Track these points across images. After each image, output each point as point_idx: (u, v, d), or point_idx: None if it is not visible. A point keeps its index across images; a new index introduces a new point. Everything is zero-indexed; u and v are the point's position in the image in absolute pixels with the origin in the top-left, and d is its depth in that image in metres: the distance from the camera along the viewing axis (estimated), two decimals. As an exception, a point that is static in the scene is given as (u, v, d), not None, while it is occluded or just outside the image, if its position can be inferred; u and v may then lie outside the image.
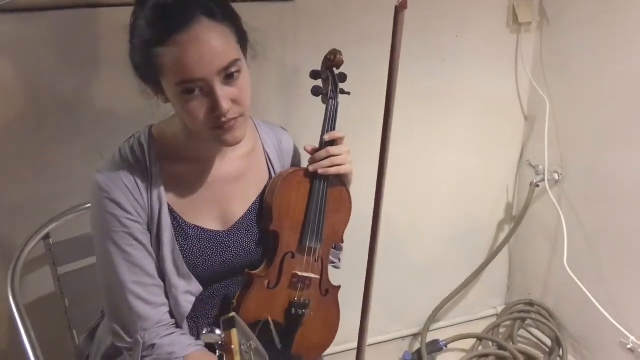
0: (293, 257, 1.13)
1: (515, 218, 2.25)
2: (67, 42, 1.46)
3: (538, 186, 2.05)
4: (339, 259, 1.35)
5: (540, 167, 2.05)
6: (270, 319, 1.12)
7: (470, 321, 2.35)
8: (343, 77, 1.19)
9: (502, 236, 2.27)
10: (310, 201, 1.13)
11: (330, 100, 1.16)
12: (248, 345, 0.64)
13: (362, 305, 1.01)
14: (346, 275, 2.02)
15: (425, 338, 2.13)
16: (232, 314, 0.61)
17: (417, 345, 2.12)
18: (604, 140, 1.85)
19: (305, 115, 1.75)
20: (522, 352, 2.02)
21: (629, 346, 1.80)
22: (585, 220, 1.96)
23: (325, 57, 1.18)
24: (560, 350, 2.06)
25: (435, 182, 2.10)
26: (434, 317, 2.18)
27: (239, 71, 0.94)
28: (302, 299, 1.14)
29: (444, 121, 2.04)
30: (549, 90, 2.02)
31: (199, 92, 0.91)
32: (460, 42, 1.94)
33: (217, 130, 0.95)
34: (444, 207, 2.15)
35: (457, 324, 2.33)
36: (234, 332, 0.63)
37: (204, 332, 0.70)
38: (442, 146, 2.06)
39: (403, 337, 2.24)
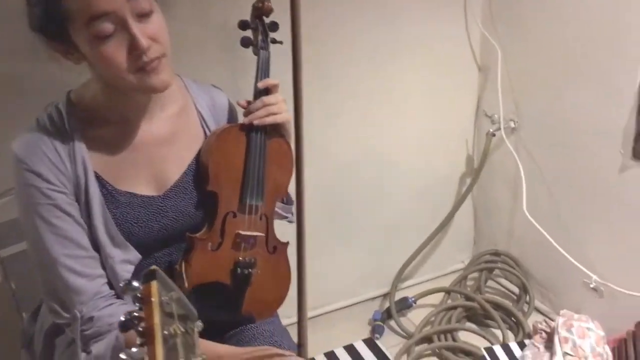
0: (235, 216, 1.10)
1: (476, 169, 2.24)
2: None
3: (495, 135, 2.04)
4: (292, 213, 1.30)
5: (496, 116, 2.04)
6: (216, 281, 1.09)
7: (440, 276, 2.35)
8: (274, 26, 1.14)
9: (465, 188, 2.27)
10: (248, 157, 1.09)
11: (261, 51, 1.12)
12: (169, 296, 0.61)
13: (297, 279, 0.97)
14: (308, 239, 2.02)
15: (394, 296, 2.13)
16: (153, 266, 0.58)
17: (387, 305, 2.11)
18: (557, 87, 1.84)
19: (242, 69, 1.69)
20: (489, 302, 2.04)
21: (591, 285, 1.82)
22: (542, 166, 1.96)
23: (253, 6, 1.13)
24: (527, 297, 2.08)
25: (396, 139, 2.08)
26: (401, 276, 2.18)
27: (152, 11, 0.90)
28: (247, 258, 1.11)
29: (399, 77, 2.01)
30: (500, 39, 2.00)
31: (113, 32, 0.87)
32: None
33: (141, 74, 0.91)
34: (406, 164, 2.13)
35: (427, 281, 2.33)
36: (154, 284, 0.60)
37: (121, 284, 0.67)
38: (400, 102, 2.03)
39: (373, 298, 2.24)
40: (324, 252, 2.06)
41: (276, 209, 1.21)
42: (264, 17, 1.12)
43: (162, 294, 0.60)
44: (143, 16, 0.89)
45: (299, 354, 1.01)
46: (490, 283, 2.28)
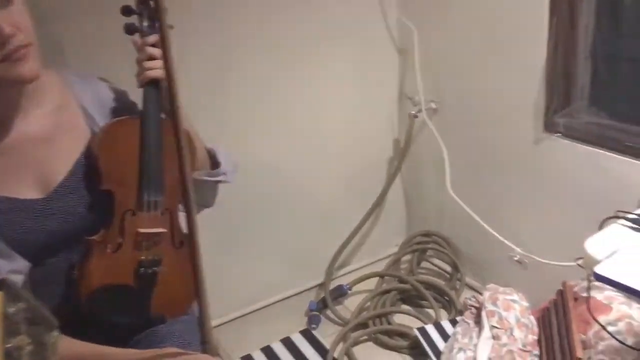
0: (134, 214, 1.05)
1: (402, 152, 2.25)
2: None
3: (417, 117, 2.05)
4: (226, 173, 1.20)
5: (416, 98, 2.05)
6: (120, 284, 1.04)
7: (376, 261, 2.36)
8: (159, 11, 1.08)
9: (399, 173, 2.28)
10: (143, 150, 1.04)
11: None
12: (17, 307, 0.56)
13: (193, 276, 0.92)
14: (231, 236, 1.98)
15: (329, 285, 2.12)
16: (3, 277, 0.53)
17: (322, 294, 2.10)
18: (472, 65, 1.86)
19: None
20: (422, 282, 2.05)
21: (516, 258, 1.85)
22: (463, 144, 1.98)
23: None
24: (459, 274, 2.10)
25: (320, 127, 2.06)
26: (334, 264, 2.16)
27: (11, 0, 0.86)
28: (151, 256, 1.06)
29: (318, 64, 1.99)
30: (415, 20, 2.01)
31: None
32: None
33: (7, 63, 0.86)
34: (333, 150, 2.12)
35: (363, 267, 2.33)
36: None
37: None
38: (321, 89, 2.02)
39: (309, 288, 2.22)
40: (252, 246, 2.03)
41: (204, 177, 1.15)
42: (150, 1, 1.07)
43: (8, 305, 0.56)
44: (2, 4, 0.84)
45: (204, 351, 0.97)
46: (424, 264, 2.30)
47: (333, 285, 2.14)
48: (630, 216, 1.03)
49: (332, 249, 2.18)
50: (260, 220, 2.02)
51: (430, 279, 2.12)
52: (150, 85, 1.05)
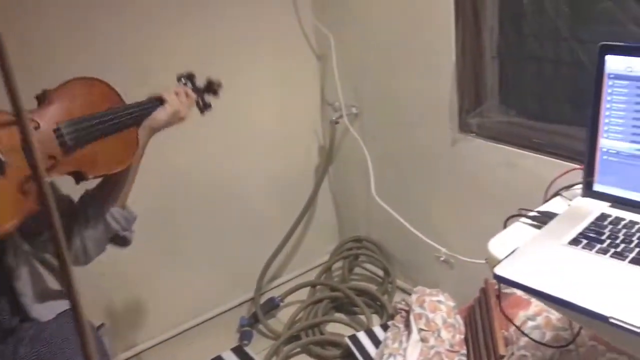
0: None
1: (327, 158, 2.24)
2: None
3: (338, 123, 2.04)
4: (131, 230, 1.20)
5: (337, 103, 2.04)
6: None
7: (309, 271, 2.33)
8: None
9: (324, 180, 2.26)
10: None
11: None
12: None
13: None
14: (154, 254, 1.91)
15: (260, 299, 2.07)
16: None
17: (254, 309, 2.05)
18: (388, 69, 1.87)
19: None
20: (354, 289, 2.04)
21: (442, 258, 1.87)
22: (385, 148, 1.99)
23: None
24: (390, 278, 2.10)
25: (242, 137, 2.02)
26: (265, 276, 2.12)
27: None
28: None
29: (239, 74, 1.95)
30: (331, 26, 2.00)
31: None
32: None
33: None
34: (257, 160, 2.08)
35: (296, 277, 2.30)
36: None
37: None
38: (243, 99, 1.98)
39: (241, 304, 2.16)
40: (176, 263, 1.96)
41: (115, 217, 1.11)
42: None
43: None
44: None
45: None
46: (357, 270, 2.29)
47: (265, 298, 2.10)
48: (531, 214, 1.04)
49: (263, 261, 2.14)
50: (184, 235, 1.96)
51: (361, 285, 2.10)
52: None
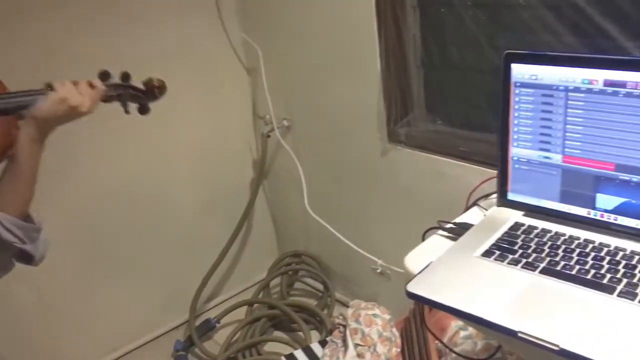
0: None
1: (259, 173, 2.20)
2: None
3: (269, 136, 2.00)
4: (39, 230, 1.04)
5: (267, 116, 2.00)
6: None
7: (248, 288, 2.27)
8: None
9: (259, 195, 2.21)
10: None
11: None
12: None
13: None
14: (84, 276, 1.81)
15: (195, 321, 2.00)
16: None
17: (189, 332, 1.98)
18: (318, 80, 1.84)
19: None
20: (293, 305, 1.99)
21: (378, 270, 1.84)
22: (318, 161, 1.96)
23: None
24: (329, 292, 2.07)
25: (174, 155, 1.96)
26: (199, 296, 2.05)
27: None
28: None
29: (168, 85, 1.88)
30: (258, 39, 1.97)
31: None
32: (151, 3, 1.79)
33: None
34: (191, 176, 2.02)
35: (235, 295, 2.24)
36: None
37: None
38: (173, 116, 1.91)
39: (177, 326, 2.08)
40: (105, 288, 1.87)
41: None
42: None
43: None
44: None
45: None
46: (298, 285, 2.25)
47: (201, 320, 2.02)
48: (448, 226, 1.02)
49: (199, 281, 2.06)
50: (112, 256, 1.88)
51: (300, 300, 2.06)
52: None
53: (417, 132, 1.62)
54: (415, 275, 0.87)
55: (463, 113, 1.55)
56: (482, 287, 0.81)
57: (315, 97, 1.88)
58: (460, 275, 0.84)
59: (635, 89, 0.80)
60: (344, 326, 1.79)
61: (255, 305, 2.07)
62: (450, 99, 1.58)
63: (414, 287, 0.83)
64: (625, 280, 0.77)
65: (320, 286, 2.17)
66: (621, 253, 0.83)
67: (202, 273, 2.07)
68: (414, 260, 0.96)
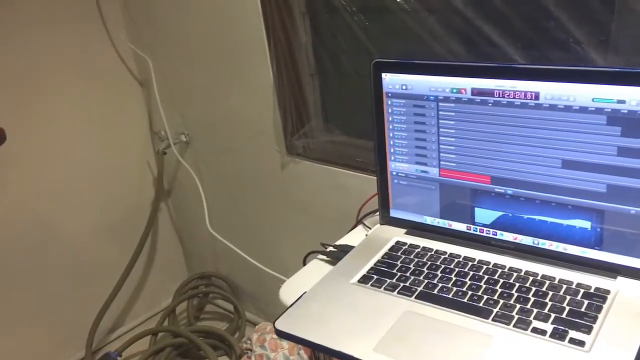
0: None
1: (167, 192, 2.07)
2: None
3: (165, 153, 1.88)
4: None
5: (162, 132, 1.88)
6: None
7: (155, 315, 2.13)
8: None
9: (160, 216, 2.08)
10: None
11: None
12: None
13: None
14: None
15: (92, 357, 1.85)
16: None
17: (88, 368, 1.82)
18: (213, 92, 1.73)
19: None
20: (200, 331, 1.88)
21: (286, 289, 1.76)
22: (218, 177, 1.85)
23: None
24: (239, 314, 1.97)
25: (62, 178, 1.80)
26: (96, 328, 1.88)
27: None
28: None
29: (54, 109, 1.73)
30: (149, 50, 1.84)
31: None
32: (21, 15, 1.63)
33: None
34: (85, 201, 1.86)
35: (140, 324, 2.09)
36: None
37: None
38: (59, 134, 1.76)
39: (75, 363, 1.92)
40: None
41: None
42: None
43: None
44: None
45: None
46: (210, 308, 2.13)
47: (100, 354, 1.87)
48: (329, 249, 0.95)
49: (93, 313, 1.90)
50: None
51: (207, 326, 1.94)
52: None
53: (314, 144, 1.55)
54: (286, 309, 0.79)
55: (359, 122, 1.49)
56: (355, 319, 0.74)
57: (212, 110, 1.77)
58: (333, 307, 0.77)
59: (503, 97, 0.75)
60: (252, 350, 1.69)
61: (160, 334, 1.94)
62: (346, 107, 1.52)
63: (283, 324, 0.75)
64: (501, 302, 0.72)
65: (230, 307, 2.06)
66: (500, 271, 0.78)
67: (101, 304, 1.91)
68: (291, 289, 0.88)
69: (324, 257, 0.93)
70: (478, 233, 0.84)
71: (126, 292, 2.00)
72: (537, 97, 0.73)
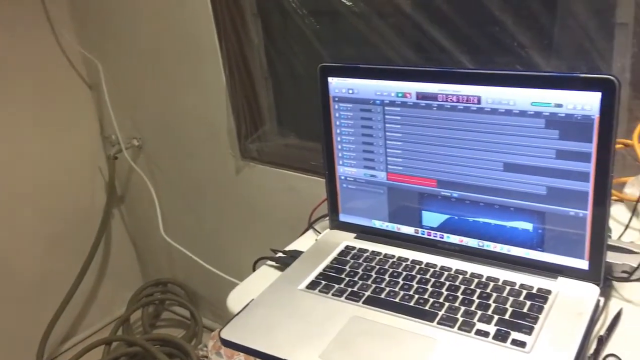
0: None
1: (120, 198, 2.03)
2: None
3: (117, 158, 1.84)
4: None
5: (113, 136, 1.84)
6: None
7: (109, 324, 2.08)
8: None
9: (112, 223, 2.03)
10: None
11: None
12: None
13: None
14: None
15: (43, 369, 1.79)
16: None
17: (39, 381, 1.76)
18: (165, 95, 1.71)
19: None
20: (156, 339, 1.84)
21: (242, 294, 1.74)
22: (172, 181, 1.83)
23: None
24: (196, 320, 1.94)
25: (14, 185, 1.75)
26: (46, 339, 1.83)
27: None
28: None
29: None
30: (98, 53, 1.80)
31: None
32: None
33: None
34: (32, 210, 1.80)
35: (94, 333, 2.04)
36: None
37: None
38: (11, 142, 1.71)
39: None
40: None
41: None
42: None
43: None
44: None
45: None
46: (166, 315, 2.10)
47: (52, 366, 1.82)
48: (278, 255, 0.94)
49: (43, 324, 1.84)
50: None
51: (163, 333, 1.91)
52: None
53: (268, 147, 1.54)
54: (232, 318, 0.77)
55: (312, 125, 1.48)
56: (302, 326, 0.73)
57: (164, 113, 1.74)
58: (280, 315, 0.76)
59: (446, 101, 0.76)
60: (208, 358, 1.67)
61: (115, 343, 1.89)
62: (299, 110, 1.52)
63: (228, 333, 0.74)
64: (446, 305, 0.72)
65: (187, 313, 2.03)
66: (446, 273, 0.79)
67: (52, 314, 1.85)
68: (239, 297, 0.87)
69: (273, 263, 0.92)
70: (425, 236, 0.85)
71: (78, 301, 1.95)
72: (479, 101, 0.73)
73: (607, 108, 0.65)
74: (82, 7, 1.76)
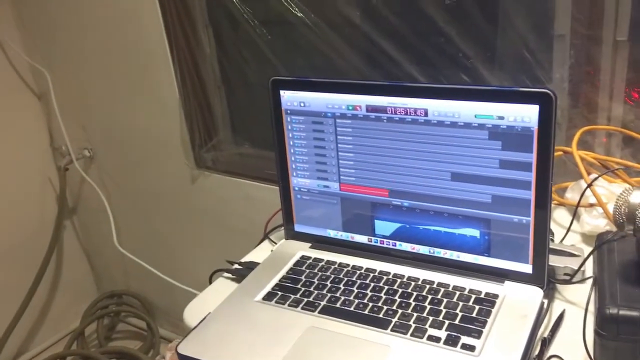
0: None
1: (71, 210, 1.98)
2: None
3: (67, 169, 1.80)
4: None
5: (64, 147, 1.80)
6: None
7: (63, 338, 2.03)
8: None
9: (64, 235, 1.98)
10: None
11: None
12: None
13: None
14: None
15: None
16: None
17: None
18: (117, 105, 1.68)
19: None
20: (112, 352, 1.81)
21: (200, 304, 1.73)
22: (126, 193, 1.80)
23: None
24: (153, 332, 1.91)
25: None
26: (-3, 359, 1.78)
27: None
28: None
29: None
30: (47, 63, 1.75)
31: None
32: None
33: None
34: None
35: (49, 348, 1.99)
36: None
37: None
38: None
39: (-27, 398, 1.80)
40: None
41: None
42: None
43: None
44: None
45: None
46: (122, 327, 2.06)
47: (3, 385, 1.76)
48: (234, 267, 0.95)
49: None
50: None
51: (119, 346, 1.88)
52: None
53: (223, 156, 1.54)
54: (188, 333, 0.77)
55: (267, 134, 1.49)
56: (259, 338, 0.74)
57: (116, 123, 1.72)
58: (236, 327, 0.76)
59: (395, 113, 0.78)
60: (166, 370, 1.65)
61: (69, 357, 1.85)
62: (253, 119, 1.52)
63: (185, 348, 0.74)
64: (400, 312, 0.74)
65: (144, 325, 2.00)
66: (399, 281, 0.81)
67: (3, 329, 1.80)
68: (196, 310, 0.87)
69: (230, 275, 0.93)
70: (379, 244, 0.87)
71: (30, 315, 1.90)
72: (426, 113, 0.76)
73: (545, 120, 0.69)
74: (28, 16, 1.72)
